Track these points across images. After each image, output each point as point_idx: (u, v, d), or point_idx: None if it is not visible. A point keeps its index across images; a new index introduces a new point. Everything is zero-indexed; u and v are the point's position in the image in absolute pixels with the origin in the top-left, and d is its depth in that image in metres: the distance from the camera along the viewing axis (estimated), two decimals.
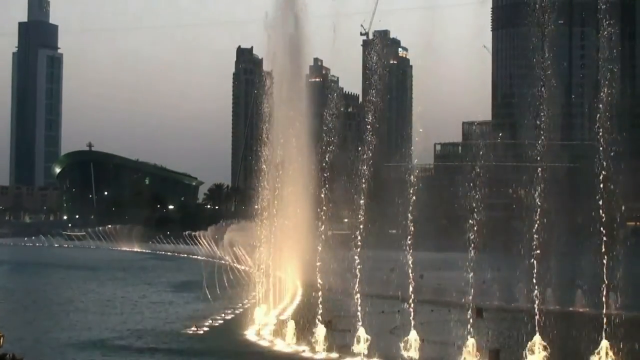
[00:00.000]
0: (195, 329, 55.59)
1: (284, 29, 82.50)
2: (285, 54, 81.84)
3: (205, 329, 56.30)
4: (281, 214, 71.06)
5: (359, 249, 48.25)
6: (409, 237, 46.32)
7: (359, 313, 45.60)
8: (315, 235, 70.99)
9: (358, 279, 47.10)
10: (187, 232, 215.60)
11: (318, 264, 53.23)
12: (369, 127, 53.21)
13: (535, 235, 44.88)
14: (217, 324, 58.76)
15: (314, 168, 74.98)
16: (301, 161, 76.73)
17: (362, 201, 49.50)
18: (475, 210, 47.58)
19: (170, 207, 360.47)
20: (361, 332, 43.06)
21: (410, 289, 45.20)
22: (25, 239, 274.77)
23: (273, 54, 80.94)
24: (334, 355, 44.76)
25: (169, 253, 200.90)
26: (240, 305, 68.80)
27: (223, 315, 62.69)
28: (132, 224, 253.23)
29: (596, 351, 38.83)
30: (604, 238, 42.91)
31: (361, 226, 49.07)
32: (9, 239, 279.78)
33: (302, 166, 76.89)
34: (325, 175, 56.22)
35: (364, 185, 49.66)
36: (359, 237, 48.23)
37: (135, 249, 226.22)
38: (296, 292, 75.57)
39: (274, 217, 67.53)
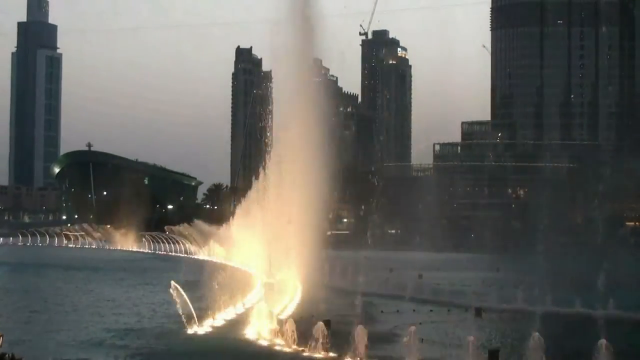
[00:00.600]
0: (195, 328, 55.59)
1: (291, 28, 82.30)
2: (291, 53, 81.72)
3: (205, 328, 56.31)
4: (281, 214, 71.11)
5: (358, 249, 48.33)
6: (408, 238, 46.43)
7: (358, 312, 45.66)
8: (315, 235, 71.09)
9: (357, 279, 47.19)
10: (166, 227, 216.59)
11: (318, 263, 53.29)
12: (374, 142, 53.24)
13: (534, 236, 45.01)
14: (216, 324, 58.78)
15: (314, 168, 75.04)
16: (302, 161, 76.75)
17: (364, 201, 49.57)
18: (475, 210, 47.75)
19: (170, 207, 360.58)
20: (360, 331, 43.09)
21: (409, 288, 45.32)
22: (22, 233, 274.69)
23: (278, 53, 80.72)
24: (333, 354, 44.80)
25: (168, 253, 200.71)
26: (240, 304, 68.79)
27: (223, 314, 62.69)
28: (131, 224, 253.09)
29: (594, 352, 38.85)
30: (603, 238, 43.02)
31: (360, 227, 49.16)
32: (9, 238, 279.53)
33: (303, 166, 76.90)
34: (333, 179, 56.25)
35: (365, 186, 49.74)
36: (358, 238, 48.32)
37: (134, 249, 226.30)
38: (296, 292, 75.56)
39: (274, 216, 67.56)
